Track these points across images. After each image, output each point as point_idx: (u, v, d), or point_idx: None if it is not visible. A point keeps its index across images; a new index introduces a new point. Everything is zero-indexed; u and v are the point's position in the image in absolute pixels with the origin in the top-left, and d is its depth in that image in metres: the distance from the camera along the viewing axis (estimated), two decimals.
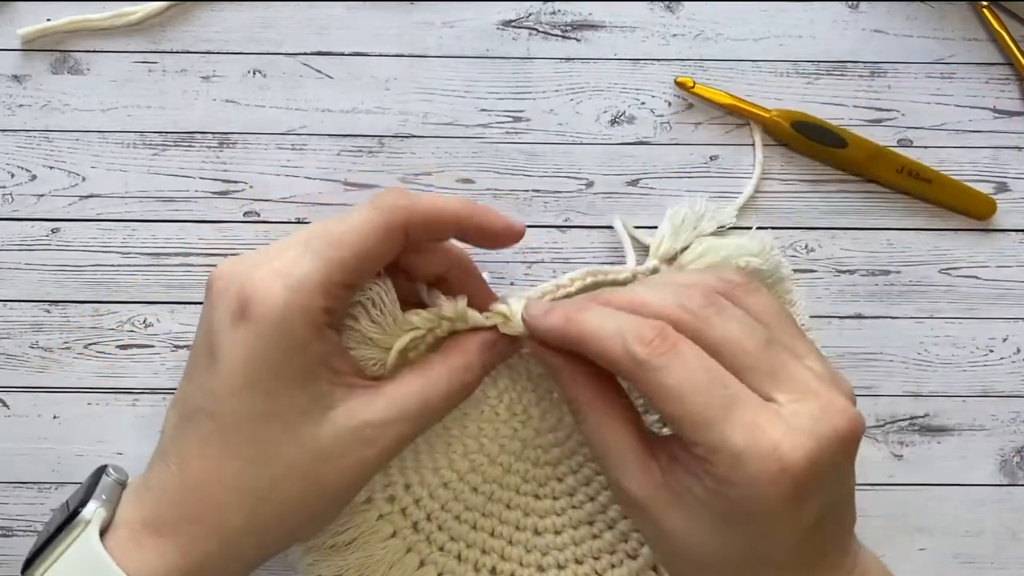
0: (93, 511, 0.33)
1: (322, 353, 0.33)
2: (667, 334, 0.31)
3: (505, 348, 0.36)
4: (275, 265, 0.32)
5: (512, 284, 0.43)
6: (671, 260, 0.41)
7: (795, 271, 0.43)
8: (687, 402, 0.30)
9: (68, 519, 0.33)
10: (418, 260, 0.36)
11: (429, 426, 0.36)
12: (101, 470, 0.35)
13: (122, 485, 0.34)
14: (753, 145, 0.44)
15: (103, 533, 0.33)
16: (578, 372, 0.34)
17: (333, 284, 0.32)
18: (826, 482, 0.30)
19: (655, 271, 0.40)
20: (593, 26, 0.44)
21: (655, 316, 0.31)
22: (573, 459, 0.40)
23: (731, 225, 0.42)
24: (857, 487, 0.33)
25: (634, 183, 0.44)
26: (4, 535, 0.41)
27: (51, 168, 0.43)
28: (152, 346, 0.42)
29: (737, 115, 0.44)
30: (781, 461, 0.29)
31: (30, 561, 0.33)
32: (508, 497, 0.40)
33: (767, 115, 0.43)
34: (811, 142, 0.43)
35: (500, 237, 0.35)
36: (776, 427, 0.29)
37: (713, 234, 0.41)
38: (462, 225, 0.35)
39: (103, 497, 0.33)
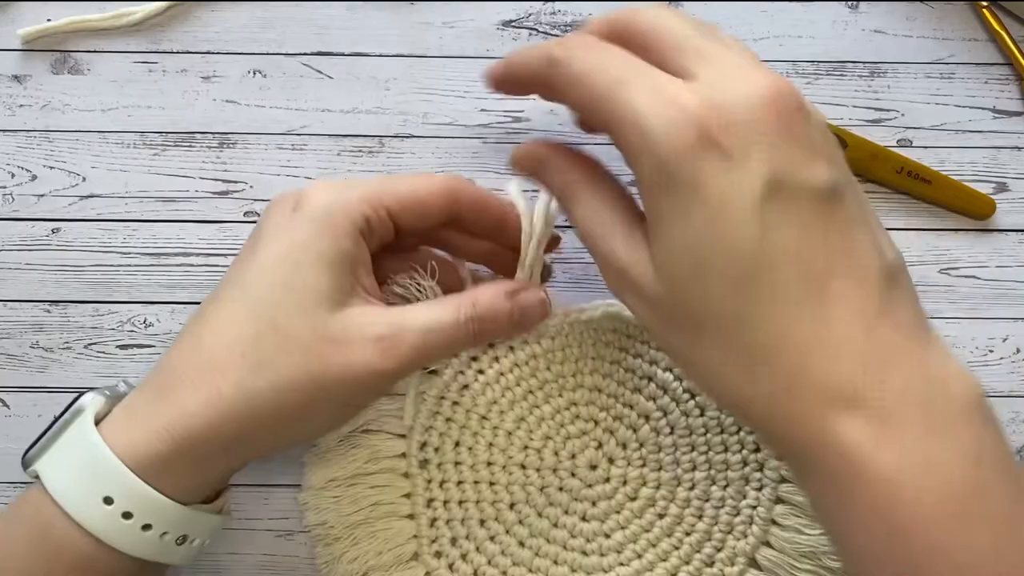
0: (90, 399, 0.35)
1: (353, 255, 0.35)
2: (587, 38, 0.31)
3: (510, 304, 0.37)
4: (333, 183, 0.36)
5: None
6: None
7: None
8: (593, 82, 0.29)
9: (66, 409, 0.35)
10: (461, 239, 0.39)
11: (437, 355, 0.36)
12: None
13: (130, 386, 0.37)
14: None
15: (103, 420, 0.34)
16: (565, 158, 0.34)
17: (379, 201, 0.35)
18: (759, 141, 0.27)
19: None
20: None
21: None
22: (621, 514, 0.40)
23: None
24: None
25: (634, 183, 0.44)
26: None
27: (51, 168, 0.43)
28: (152, 346, 0.42)
29: None
30: (679, 106, 0.28)
31: (29, 450, 0.35)
32: (555, 552, 0.40)
33: None
34: None
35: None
36: (681, 87, 0.28)
37: None
38: (499, 227, 0.37)
39: (105, 392, 0.36)
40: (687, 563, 0.40)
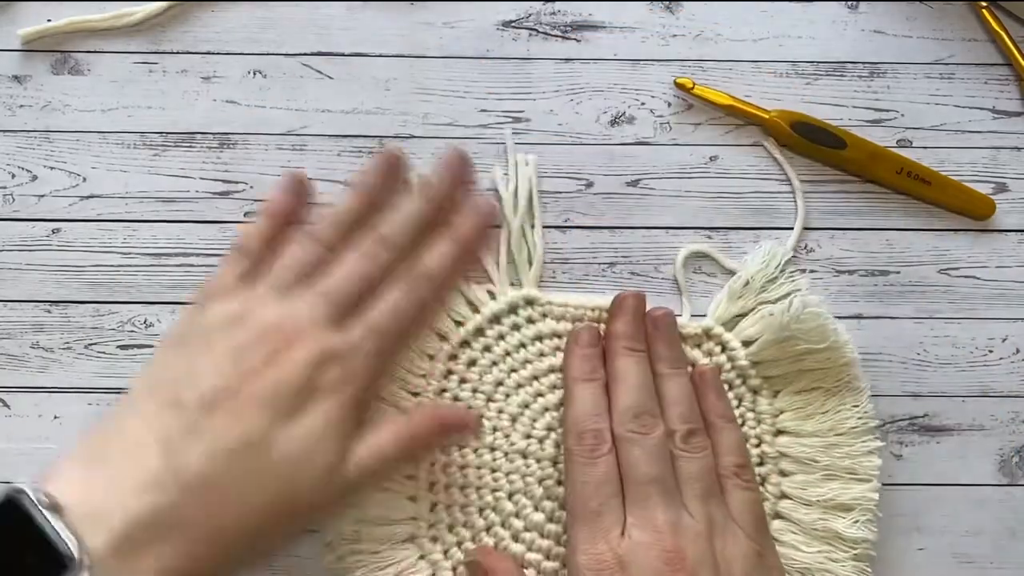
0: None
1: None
2: (599, 445, 0.38)
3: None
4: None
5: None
6: (730, 324, 0.42)
7: (795, 271, 0.43)
8: (575, 497, 0.38)
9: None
10: None
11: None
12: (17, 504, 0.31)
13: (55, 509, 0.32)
14: (792, 190, 0.44)
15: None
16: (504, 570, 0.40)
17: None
18: None
19: (708, 331, 0.42)
20: (593, 26, 0.45)
21: (615, 408, 0.39)
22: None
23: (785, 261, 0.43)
24: None
25: (634, 183, 0.44)
26: None
27: (52, 168, 0.43)
28: (153, 346, 0.42)
29: (737, 116, 0.44)
30: (601, 560, 0.36)
31: None
32: (548, 547, 0.40)
33: (766, 116, 0.43)
34: (810, 143, 0.43)
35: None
36: (601, 546, 0.36)
37: (772, 295, 0.42)
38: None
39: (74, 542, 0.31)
40: None
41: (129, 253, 0.43)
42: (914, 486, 0.42)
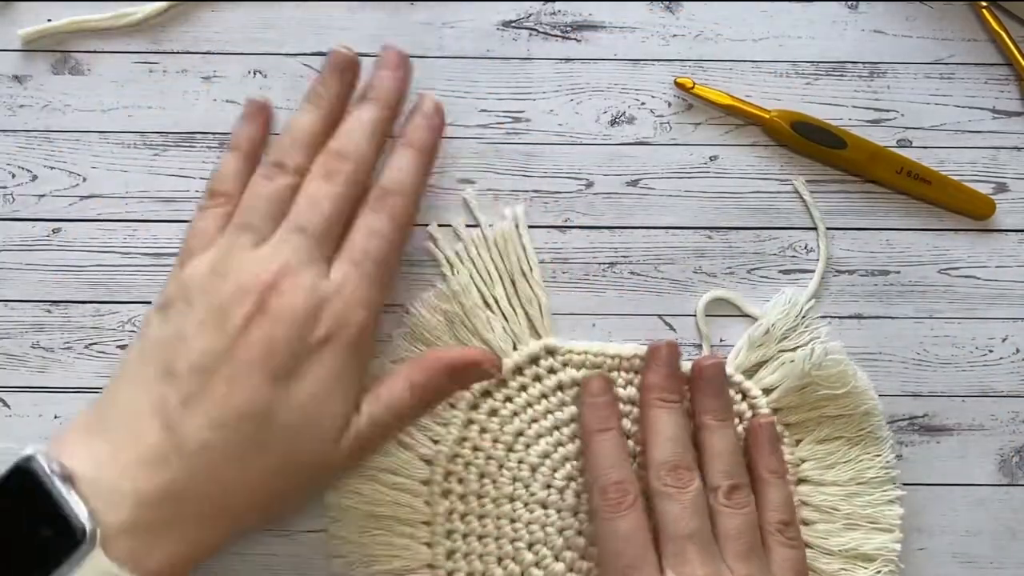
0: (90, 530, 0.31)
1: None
2: (623, 498, 0.37)
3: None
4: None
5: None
6: (750, 372, 0.42)
7: (795, 271, 0.43)
8: (605, 554, 0.37)
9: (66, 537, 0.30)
10: None
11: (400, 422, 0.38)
12: (29, 469, 0.31)
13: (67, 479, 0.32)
14: (817, 235, 0.43)
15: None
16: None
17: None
18: None
19: (728, 379, 0.41)
20: (593, 26, 0.45)
21: (650, 462, 0.38)
22: None
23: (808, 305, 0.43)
24: None
25: (634, 183, 0.44)
26: None
27: (52, 168, 0.43)
28: None
29: (737, 116, 0.44)
30: None
31: None
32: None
33: (767, 116, 0.43)
34: (811, 143, 0.43)
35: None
36: None
37: (792, 343, 0.42)
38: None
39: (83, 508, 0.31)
40: None
41: (129, 253, 0.43)
42: (914, 486, 0.42)
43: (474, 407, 0.41)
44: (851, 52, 0.45)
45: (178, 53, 0.44)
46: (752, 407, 0.41)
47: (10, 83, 0.44)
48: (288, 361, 0.33)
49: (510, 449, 0.41)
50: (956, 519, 0.43)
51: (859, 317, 0.43)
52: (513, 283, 0.42)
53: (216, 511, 0.33)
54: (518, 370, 0.41)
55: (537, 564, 0.40)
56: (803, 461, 0.41)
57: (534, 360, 0.41)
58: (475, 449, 0.41)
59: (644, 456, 0.39)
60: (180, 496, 0.32)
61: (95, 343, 0.42)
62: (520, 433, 0.41)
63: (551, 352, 0.42)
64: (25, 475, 0.31)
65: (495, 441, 0.41)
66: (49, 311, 0.42)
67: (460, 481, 0.40)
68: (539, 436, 0.41)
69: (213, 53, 0.44)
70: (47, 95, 0.44)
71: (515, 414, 0.41)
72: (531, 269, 0.42)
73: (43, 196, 0.43)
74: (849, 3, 0.45)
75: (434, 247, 0.42)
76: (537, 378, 0.41)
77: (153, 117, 0.44)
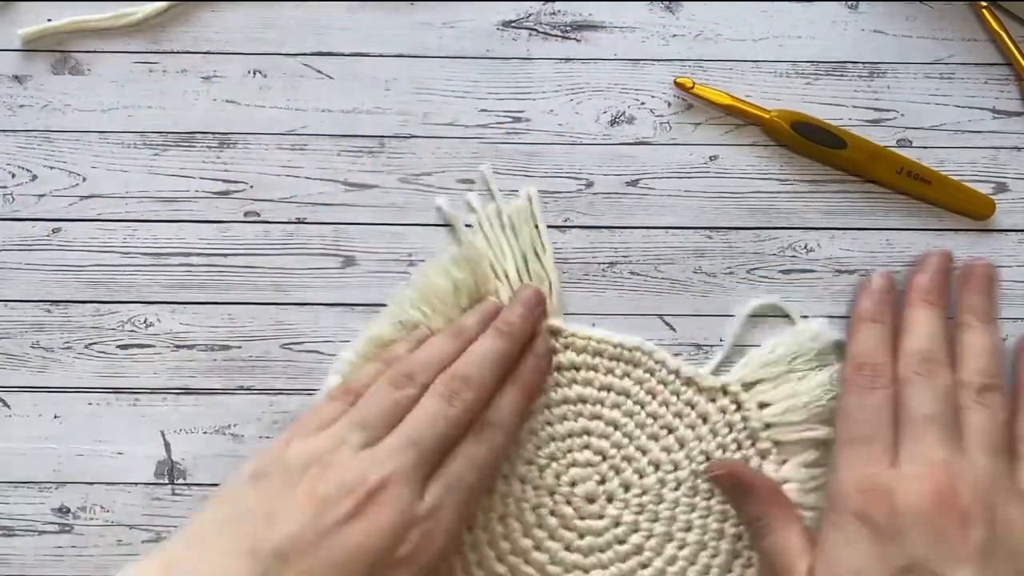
0: None
1: None
2: (876, 377, 0.38)
3: None
4: None
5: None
6: (749, 385, 0.42)
7: (794, 271, 0.43)
8: (845, 421, 0.38)
9: None
10: None
11: None
12: None
13: None
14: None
15: None
16: (766, 489, 0.39)
17: None
18: (911, 534, 0.34)
19: (725, 388, 0.42)
20: (593, 26, 0.45)
21: (902, 352, 0.38)
22: (605, 554, 0.40)
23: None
24: None
25: (634, 183, 0.44)
26: (5, 535, 0.41)
27: (52, 168, 0.43)
28: (153, 346, 0.42)
29: (737, 116, 0.44)
30: (866, 488, 0.35)
31: None
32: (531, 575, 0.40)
33: (767, 116, 0.43)
34: (811, 143, 0.43)
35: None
36: (878, 472, 0.35)
37: (800, 369, 0.42)
38: None
39: None
40: None
41: (129, 253, 0.43)
42: None
43: None
44: (851, 52, 0.45)
45: (178, 53, 0.44)
46: (744, 419, 0.41)
47: (10, 83, 0.44)
48: (364, 570, 0.33)
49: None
50: None
51: None
52: (525, 260, 0.42)
53: None
54: None
55: (505, 537, 0.40)
56: (785, 482, 0.41)
57: None
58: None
59: (899, 349, 0.39)
60: None
61: (95, 343, 0.42)
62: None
63: (555, 333, 0.42)
64: None
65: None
66: (49, 311, 0.42)
67: None
68: (529, 413, 0.41)
69: (213, 53, 0.44)
70: (47, 95, 0.44)
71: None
72: (544, 248, 0.42)
73: (43, 196, 0.43)
74: (849, 3, 0.45)
75: (451, 211, 0.42)
76: None
77: (153, 117, 0.44)
